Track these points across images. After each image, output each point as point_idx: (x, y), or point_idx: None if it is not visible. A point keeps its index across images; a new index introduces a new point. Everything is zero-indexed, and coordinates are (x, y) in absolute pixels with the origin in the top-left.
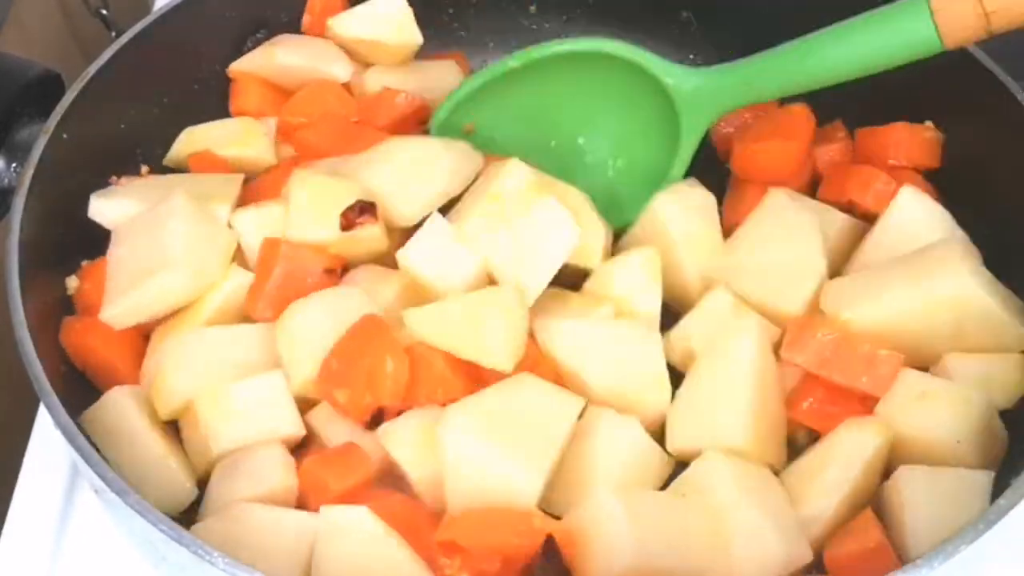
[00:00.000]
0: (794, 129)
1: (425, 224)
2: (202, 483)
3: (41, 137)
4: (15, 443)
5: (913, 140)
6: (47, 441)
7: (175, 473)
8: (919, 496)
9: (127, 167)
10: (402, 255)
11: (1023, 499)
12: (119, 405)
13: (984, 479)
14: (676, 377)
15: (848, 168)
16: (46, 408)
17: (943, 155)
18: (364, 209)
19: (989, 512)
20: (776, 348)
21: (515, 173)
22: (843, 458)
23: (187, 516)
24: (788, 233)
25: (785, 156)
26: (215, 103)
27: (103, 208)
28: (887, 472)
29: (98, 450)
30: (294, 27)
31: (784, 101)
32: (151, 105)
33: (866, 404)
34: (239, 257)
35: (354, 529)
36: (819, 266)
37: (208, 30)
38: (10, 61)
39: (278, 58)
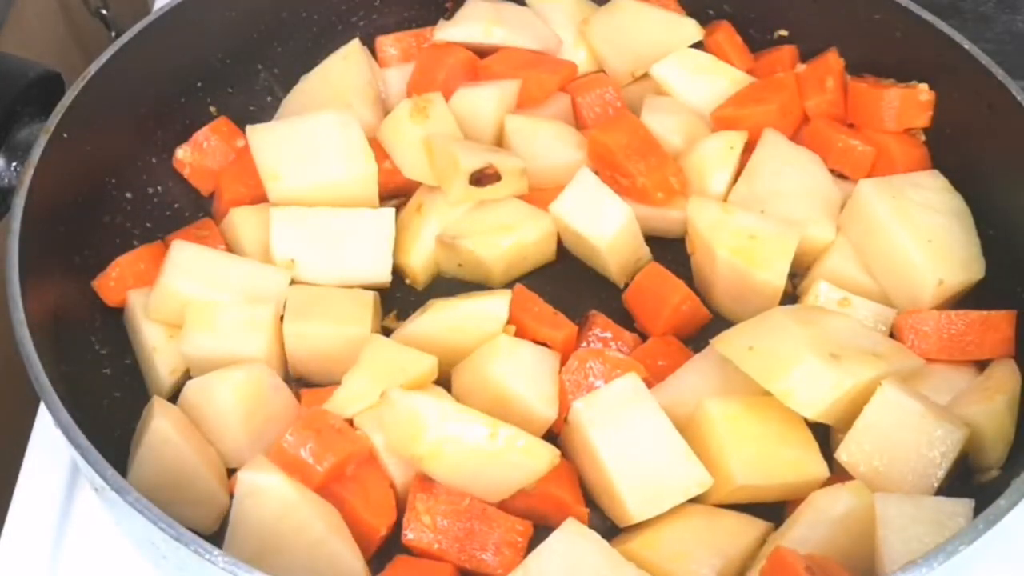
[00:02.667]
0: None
1: (575, 177)
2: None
3: (41, 137)
4: (15, 443)
5: (907, 105)
6: (47, 441)
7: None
8: (896, 520)
9: (128, 167)
10: (554, 207)
11: (1023, 499)
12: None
13: (963, 508)
14: None
15: (831, 136)
16: (46, 407)
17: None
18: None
19: (988, 512)
20: None
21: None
22: (811, 516)
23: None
24: (794, 164)
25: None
26: (215, 103)
27: (450, 34)
28: None
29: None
30: (294, 26)
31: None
32: (151, 105)
33: None
34: None
35: (270, 492)
36: (834, 192)
37: (208, 30)
38: (10, 61)
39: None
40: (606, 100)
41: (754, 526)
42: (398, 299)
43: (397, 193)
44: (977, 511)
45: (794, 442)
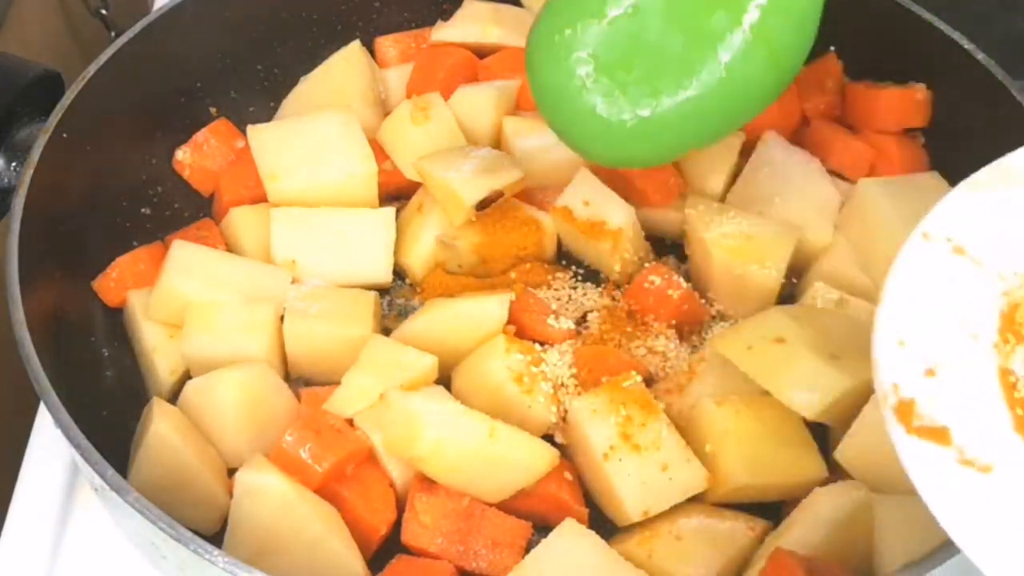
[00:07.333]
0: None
1: (575, 178)
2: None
3: (41, 137)
4: (15, 443)
5: (904, 105)
6: (47, 441)
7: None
8: (894, 520)
9: (128, 167)
10: (554, 207)
11: None
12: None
13: None
14: None
15: (831, 136)
16: (46, 408)
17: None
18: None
19: None
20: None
21: None
22: (810, 516)
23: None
24: (793, 166)
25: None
26: (215, 104)
27: (447, 34)
28: None
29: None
30: (294, 27)
31: None
32: (151, 105)
33: None
34: None
35: (269, 492)
36: (833, 194)
37: (208, 30)
38: (10, 61)
39: None
40: None
41: (753, 526)
42: (398, 299)
43: (398, 194)
44: None
45: (793, 442)
